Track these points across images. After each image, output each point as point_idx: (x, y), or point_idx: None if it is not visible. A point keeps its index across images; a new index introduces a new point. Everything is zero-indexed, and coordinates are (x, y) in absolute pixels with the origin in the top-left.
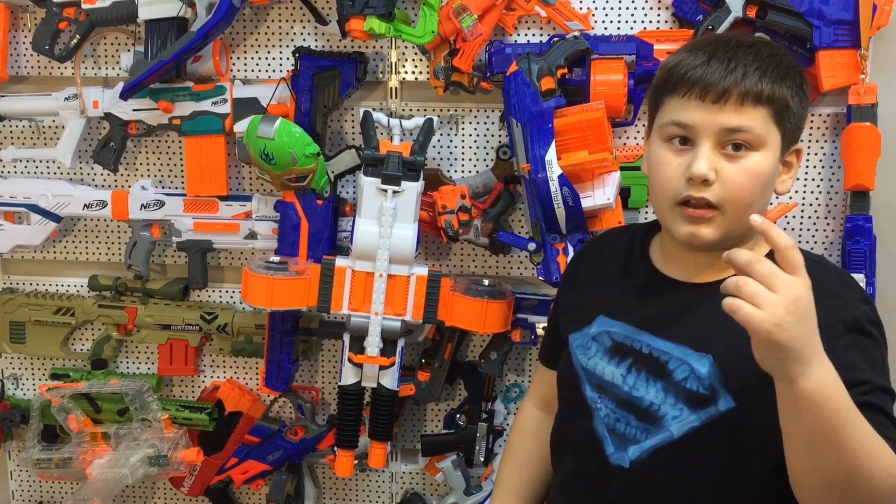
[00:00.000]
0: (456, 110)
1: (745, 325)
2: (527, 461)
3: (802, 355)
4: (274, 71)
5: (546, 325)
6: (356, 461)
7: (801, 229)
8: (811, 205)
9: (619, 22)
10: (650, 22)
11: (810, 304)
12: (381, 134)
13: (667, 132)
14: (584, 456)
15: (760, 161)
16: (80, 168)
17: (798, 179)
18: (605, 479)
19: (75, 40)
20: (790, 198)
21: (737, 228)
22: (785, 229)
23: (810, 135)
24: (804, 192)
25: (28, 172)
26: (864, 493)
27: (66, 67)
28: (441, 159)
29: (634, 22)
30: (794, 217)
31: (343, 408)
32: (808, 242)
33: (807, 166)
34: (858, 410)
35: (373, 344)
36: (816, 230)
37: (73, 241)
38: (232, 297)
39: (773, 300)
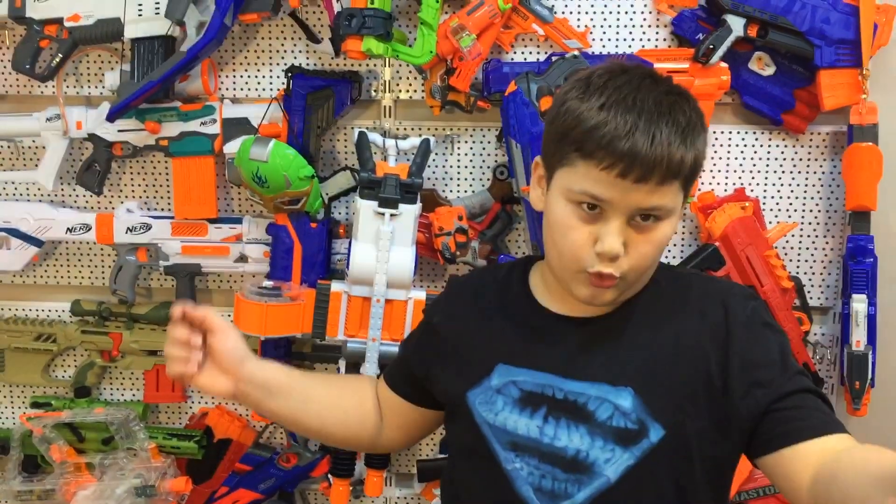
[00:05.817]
0: (451, 129)
1: None
2: (339, 393)
3: None
4: (264, 90)
5: (400, 347)
6: (350, 488)
7: (800, 248)
8: (810, 223)
9: (617, 40)
10: (649, 40)
11: None
12: (376, 154)
13: (576, 198)
14: None
15: (667, 230)
16: (63, 190)
17: (798, 198)
18: None
19: (57, 59)
20: (790, 217)
21: (633, 290)
22: (784, 248)
23: (810, 153)
24: (804, 210)
25: (8, 195)
26: None
27: (47, 86)
28: (437, 179)
29: (633, 40)
30: (793, 236)
31: None
32: (807, 261)
33: (806, 185)
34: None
35: (370, 371)
36: (815, 249)
37: (56, 265)
38: None
39: None
